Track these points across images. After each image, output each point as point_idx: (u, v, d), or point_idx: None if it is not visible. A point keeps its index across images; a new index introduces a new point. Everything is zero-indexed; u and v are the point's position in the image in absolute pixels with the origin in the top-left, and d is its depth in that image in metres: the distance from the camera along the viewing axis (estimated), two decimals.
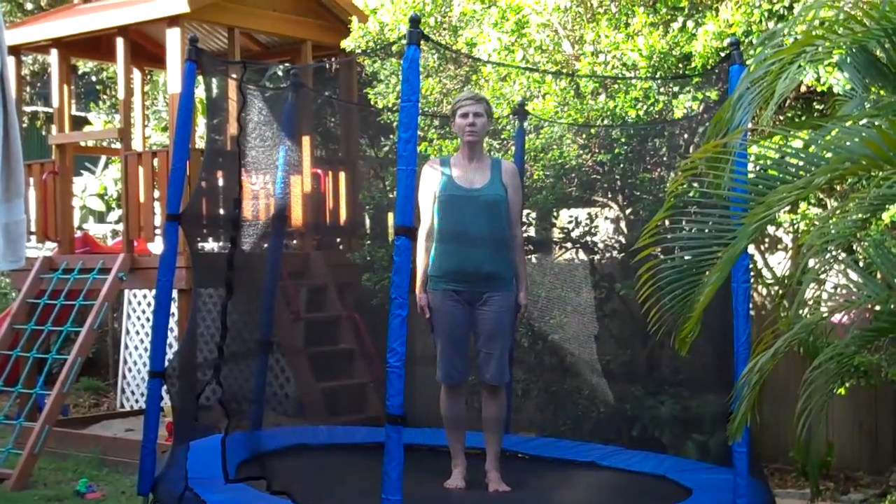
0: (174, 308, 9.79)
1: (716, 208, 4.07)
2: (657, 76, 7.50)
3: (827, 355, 3.93)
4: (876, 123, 3.67)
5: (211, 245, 9.70)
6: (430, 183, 6.29)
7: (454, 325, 6.25)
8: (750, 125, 5.36)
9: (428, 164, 6.43)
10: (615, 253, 8.28)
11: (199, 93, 10.76)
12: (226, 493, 5.65)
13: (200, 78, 7.22)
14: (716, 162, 3.82)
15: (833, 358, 3.94)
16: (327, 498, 5.53)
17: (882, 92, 4.53)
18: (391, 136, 9.70)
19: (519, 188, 6.53)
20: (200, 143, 11.67)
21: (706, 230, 4.03)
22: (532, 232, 8.54)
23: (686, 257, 4.04)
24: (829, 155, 3.63)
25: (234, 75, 7.49)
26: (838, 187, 7.13)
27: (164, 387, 6.44)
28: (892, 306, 3.91)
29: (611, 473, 6.77)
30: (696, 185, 4.57)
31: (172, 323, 10.12)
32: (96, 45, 11.03)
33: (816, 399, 3.82)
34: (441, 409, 6.39)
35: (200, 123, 12.48)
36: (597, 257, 8.32)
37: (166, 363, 6.49)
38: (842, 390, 6.98)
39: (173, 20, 9.42)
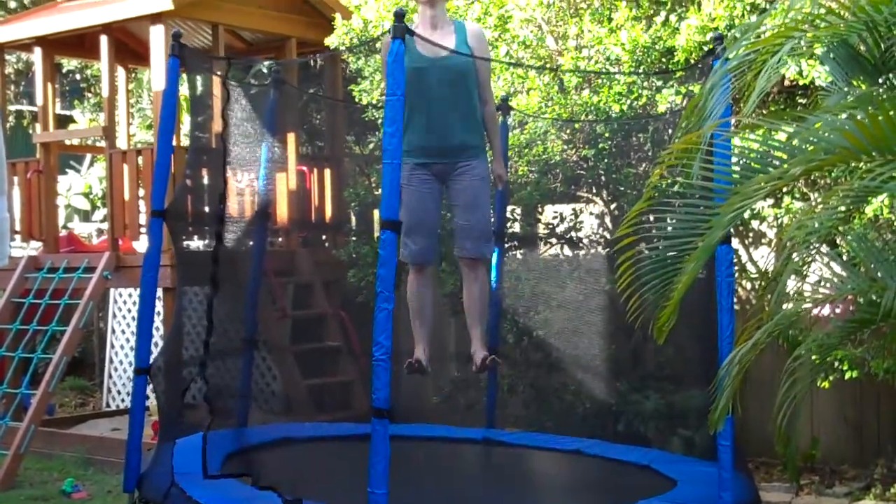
0: (159, 307, 9.78)
1: (696, 200, 4.08)
2: (640, 71, 7.51)
3: (808, 346, 3.94)
4: (853, 115, 3.69)
5: (196, 243, 9.69)
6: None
7: (423, 200, 6.00)
8: (733, 119, 5.39)
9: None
10: (600, 248, 8.29)
11: (185, 90, 10.74)
12: (212, 489, 5.64)
13: (185, 75, 7.21)
14: (691, 153, 3.83)
15: (813, 349, 3.96)
16: (314, 492, 5.52)
17: (864, 86, 4.55)
18: (376, 133, 9.70)
19: (486, 51, 6.27)
20: (186, 142, 11.64)
21: (686, 222, 4.03)
22: (517, 228, 8.55)
23: (667, 249, 4.05)
24: (811, 148, 3.65)
25: (218, 72, 7.48)
26: (821, 181, 7.15)
27: (150, 385, 6.42)
28: (873, 297, 3.93)
29: (596, 464, 6.76)
30: (679, 178, 4.59)
31: (158, 322, 10.11)
32: (80, 42, 11.00)
33: (798, 389, 3.84)
34: (408, 294, 6.15)
35: (186, 121, 12.45)
36: (582, 252, 8.33)
37: (151, 360, 6.47)
38: (825, 383, 7.01)
39: (157, 17, 9.40)
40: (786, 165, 3.65)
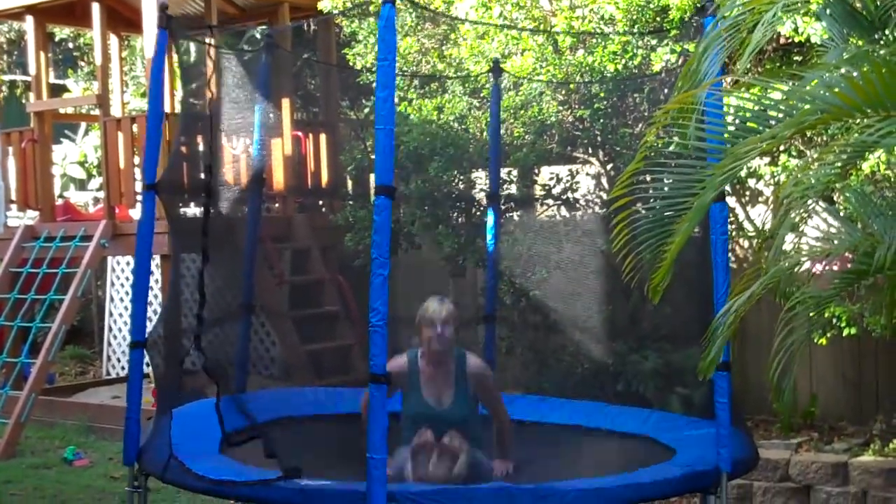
0: (158, 275, 9.78)
1: (692, 160, 4.06)
2: (635, 30, 7.46)
3: (802, 297, 3.93)
4: (847, 74, 3.66)
5: (193, 210, 9.67)
6: (397, 381, 5.89)
7: None
8: (728, 78, 5.36)
9: (392, 362, 5.59)
10: (597, 209, 8.27)
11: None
12: (209, 461, 5.64)
13: (175, 46, 7.14)
14: (685, 113, 3.81)
15: (809, 302, 3.95)
16: (313, 458, 5.53)
17: (860, 42, 4.52)
18: (371, 97, 9.65)
19: (491, 386, 6.25)
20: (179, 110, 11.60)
21: (682, 181, 4.02)
22: (513, 189, 8.53)
23: (663, 208, 4.04)
24: (804, 107, 3.62)
25: (208, 40, 7.43)
26: (818, 139, 7.13)
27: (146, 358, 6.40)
28: (868, 249, 3.92)
29: (595, 435, 6.75)
30: (676, 137, 4.57)
31: (157, 289, 10.12)
32: (71, 10, 10.94)
33: (793, 339, 3.84)
34: None
35: (180, 89, 12.41)
36: (578, 214, 8.31)
37: (147, 332, 6.44)
38: (823, 340, 7.01)
39: None
40: (781, 126, 3.63)
